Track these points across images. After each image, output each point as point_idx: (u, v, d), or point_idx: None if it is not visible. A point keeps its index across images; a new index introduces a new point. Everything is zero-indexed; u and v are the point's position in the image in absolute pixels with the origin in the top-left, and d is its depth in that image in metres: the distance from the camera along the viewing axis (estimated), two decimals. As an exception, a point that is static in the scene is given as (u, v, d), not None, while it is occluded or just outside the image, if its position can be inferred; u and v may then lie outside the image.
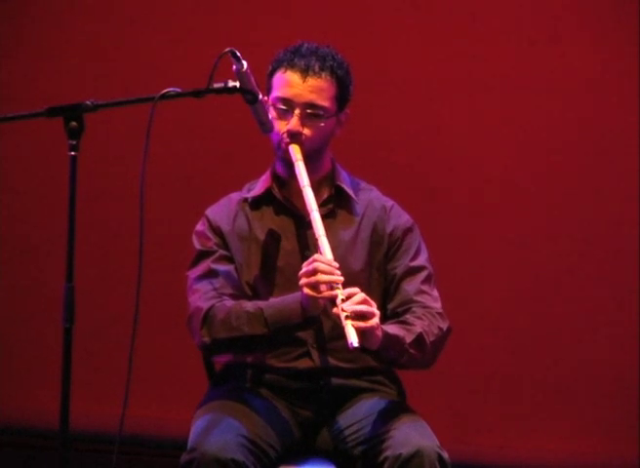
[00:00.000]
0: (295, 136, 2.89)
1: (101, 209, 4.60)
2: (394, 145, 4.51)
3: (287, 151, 2.90)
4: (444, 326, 2.90)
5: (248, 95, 2.70)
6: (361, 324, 2.61)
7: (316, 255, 2.70)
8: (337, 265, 2.69)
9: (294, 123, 2.88)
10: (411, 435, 2.69)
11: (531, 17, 4.47)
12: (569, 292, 4.45)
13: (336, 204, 2.99)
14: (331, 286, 2.66)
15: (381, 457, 2.69)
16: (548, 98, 4.47)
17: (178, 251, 4.44)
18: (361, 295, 2.65)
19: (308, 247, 2.94)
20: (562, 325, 4.45)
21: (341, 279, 2.67)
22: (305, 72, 2.89)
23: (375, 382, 2.95)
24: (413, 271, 2.96)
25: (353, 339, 2.56)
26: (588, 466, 4.44)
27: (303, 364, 2.89)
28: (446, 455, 2.69)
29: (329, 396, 2.90)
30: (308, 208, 2.81)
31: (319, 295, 2.67)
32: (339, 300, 2.63)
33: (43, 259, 4.62)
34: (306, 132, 2.89)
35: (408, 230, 3.01)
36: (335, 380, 2.90)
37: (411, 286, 2.94)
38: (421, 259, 2.99)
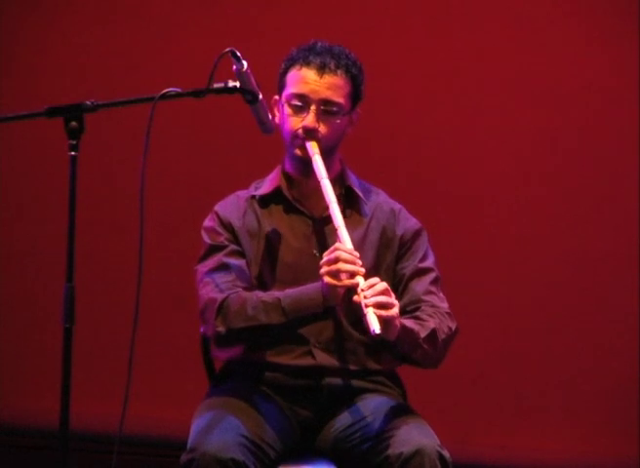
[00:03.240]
0: (311, 133, 2.89)
1: (101, 209, 4.60)
2: (397, 149, 4.52)
3: (302, 148, 2.90)
4: (453, 325, 2.92)
5: (248, 95, 2.70)
6: (382, 312, 2.62)
7: (337, 244, 2.71)
8: (357, 255, 2.70)
9: (310, 119, 2.89)
10: (412, 434, 2.69)
11: (531, 17, 4.47)
12: (569, 294, 4.45)
13: (345, 204, 3.00)
14: (351, 275, 2.67)
15: (382, 456, 2.69)
16: (550, 99, 4.47)
17: (178, 250, 4.46)
18: (382, 285, 2.66)
19: (317, 246, 2.94)
20: (562, 325, 4.45)
21: (363, 270, 2.68)
22: (322, 69, 2.90)
23: (376, 383, 2.95)
24: (421, 272, 2.98)
25: (375, 326, 2.57)
26: (588, 466, 4.44)
27: (305, 361, 2.89)
28: (447, 454, 2.68)
29: (329, 396, 2.90)
30: (327, 199, 2.82)
31: (340, 284, 2.68)
32: (359, 289, 2.64)
33: (43, 259, 4.62)
34: (322, 128, 2.90)
35: (417, 233, 3.03)
36: (336, 380, 2.90)
37: (419, 286, 2.95)
38: (429, 262, 3.01)
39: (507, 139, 4.49)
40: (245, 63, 2.66)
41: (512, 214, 4.49)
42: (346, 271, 2.67)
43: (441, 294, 2.98)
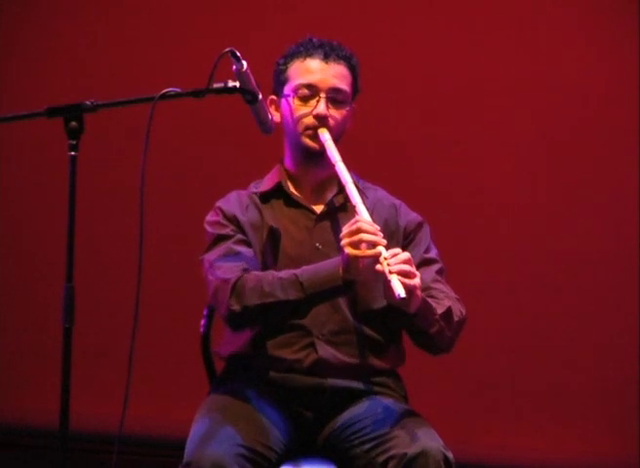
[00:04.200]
0: (322, 120, 2.91)
1: (101, 209, 4.60)
2: (397, 147, 4.52)
3: (314, 138, 2.91)
4: (463, 310, 2.94)
5: (248, 95, 2.70)
6: (406, 280, 2.62)
7: (358, 217, 2.72)
8: (378, 227, 2.70)
9: (322, 107, 2.91)
10: (416, 435, 2.68)
11: (531, 17, 4.47)
12: (569, 293, 4.46)
13: (347, 198, 3.00)
14: (372, 246, 2.67)
15: (385, 456, 2.68)
16: (549, 100, 4.47)
17: (178, 250, 4.46)
18: (405, 255, 2.67)
19: (319, 239, 2.94)
20: (562, 325, 4.45)
21: (384, 241, 2.68)
22: (327, 58, 2.94)
23: (378, 385, 2.94)
24: (427, 262, 3.00)
25: (400, 291, 2.57)
26: (588, 466, 4.44)
27: (309, 358, 2.87)
28: (451, 456, 2.67)
29: (332, 397, 2.89)
30: (342, 180, 2.84)
31: (362, 254, 2.67)
32: (382, 258, 2.64)
33: (43, 259, 4.62)
34: (332, 117, 2.92)
35: (419, 225, 3.05)
36: (338, 382, 2.89)
37: (426, 274, 2.95)
38: (433, 253, 3.03)
39: (507, 139, 4.49)
40: (245, 63, 2.66)
41: (512, 213, 4.49)
42: (368, 241, 2.67)
43: (447, 285, 2.99)
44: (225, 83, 2.66)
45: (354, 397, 2.90)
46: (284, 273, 2.79)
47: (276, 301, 2.75)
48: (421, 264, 2.97)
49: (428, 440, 2.67)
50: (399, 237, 3.01)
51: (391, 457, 2.66)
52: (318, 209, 2.99)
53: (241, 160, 4.43)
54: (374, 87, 4.22)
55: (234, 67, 2.67)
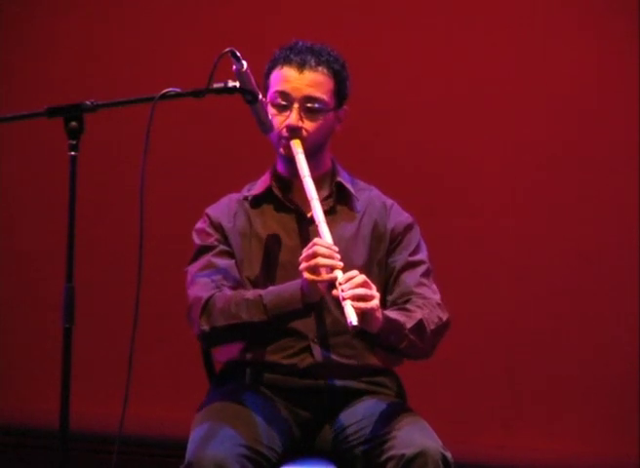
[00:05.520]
0: (295, 131, 2.90)
1: (102, 209, 4.60)
2: (393, 146, 4.52)
3: (287, 147, 2.90)
4: (444, 316, 2.91)
5: (248, 95, 2.70)
6: (361, 305, 2.62)
7: (316, 239, 2.71)
8: (336, 249, 2.70)
9: (293, 117, 2.90)
10: (414, 435, 2.68)
11: (530, 16, 4.47)
12: (569, 293, 4.45)
13: (336, 200, 3.01)
14: (331, 269, 2.67)
15: (384, 457, 2.68)
16: (548, 99, 4.47)
17: (177, 251, 4.44)
18: (361, 277, 2.66)
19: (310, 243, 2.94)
20: (562, 325, 4.45)
21: (341, 264, 2.68)
22: (302, 66, 2.92)
23: (375, 384, 2.95)
24: (412, 265, 2.98)
25: (352, 318, 2.57)
26: (588, 466, 4.44)
27: (304, 362, 2.88)
28: (450, 456, 2.67)
29: (330, 397, 2.89)
30: (309, 196, 2.82)
31: (319, 278, 2.68)
32: (337, 283, 2.64)
33: (43, 259, 4.62)
34: (306, 126, 2.91)
35: (408, 227, 3.03)
36: (335, 382, 2.89)
37: (410, 278, 2.95)
38: (421, 255, 3.01)
39: (506, 139, 4.49)
40: (245, 63, 2.66)
41: (512, 213, 4.49)
42: (324, 265, 2.67)
43: (433, 286, 2.98)
44: (225, 83, 2.66)
45: (352, 397, 2.90)
46: (251, 293, 2.82)
47: (241, 323, 2.79)
48: (407, 267, 2.97)
49: (427, 440, 2.67)
50: (386, 240, 3.00)
51: (390, 458, 2.66)
52: (310, 211, 2.95)
53: (242, 160, 4.42)
54: (372, 87, 4.23)
55: (234, 67, 2.68)
